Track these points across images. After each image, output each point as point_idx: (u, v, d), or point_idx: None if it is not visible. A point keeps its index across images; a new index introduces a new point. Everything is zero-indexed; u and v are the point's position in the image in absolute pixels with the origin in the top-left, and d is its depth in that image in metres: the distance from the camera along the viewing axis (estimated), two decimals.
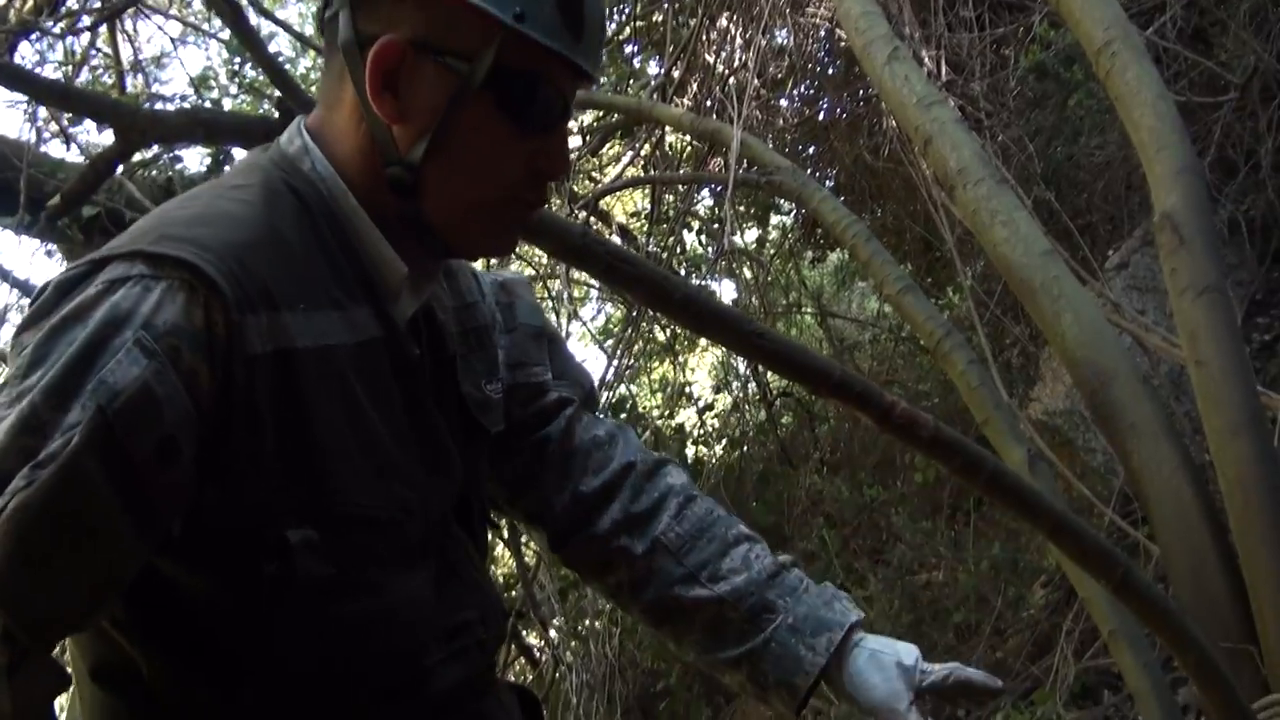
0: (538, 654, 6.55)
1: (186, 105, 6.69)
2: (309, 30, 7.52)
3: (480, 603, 1.47)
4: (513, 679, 6.21)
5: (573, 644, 6.17)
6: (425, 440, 1.39)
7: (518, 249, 7.40)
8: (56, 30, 5.95)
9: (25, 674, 1.08)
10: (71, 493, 1.07)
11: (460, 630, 1.42)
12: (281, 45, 8.03)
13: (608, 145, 7.49)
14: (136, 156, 5.48)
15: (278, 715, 1.28)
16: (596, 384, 7.12)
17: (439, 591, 1.39)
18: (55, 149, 6.46)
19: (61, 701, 1.30)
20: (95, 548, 1.10)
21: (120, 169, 4.35)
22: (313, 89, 1.66)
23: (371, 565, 1.29)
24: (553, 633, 6.22)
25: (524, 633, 6.26)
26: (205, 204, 1.30)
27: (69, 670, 1.22)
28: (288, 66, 7.02)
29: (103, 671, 1.30)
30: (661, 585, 1.67)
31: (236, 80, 7.45)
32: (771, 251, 8.41)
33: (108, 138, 6.50)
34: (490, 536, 1.65)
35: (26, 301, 5.72)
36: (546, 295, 7.83)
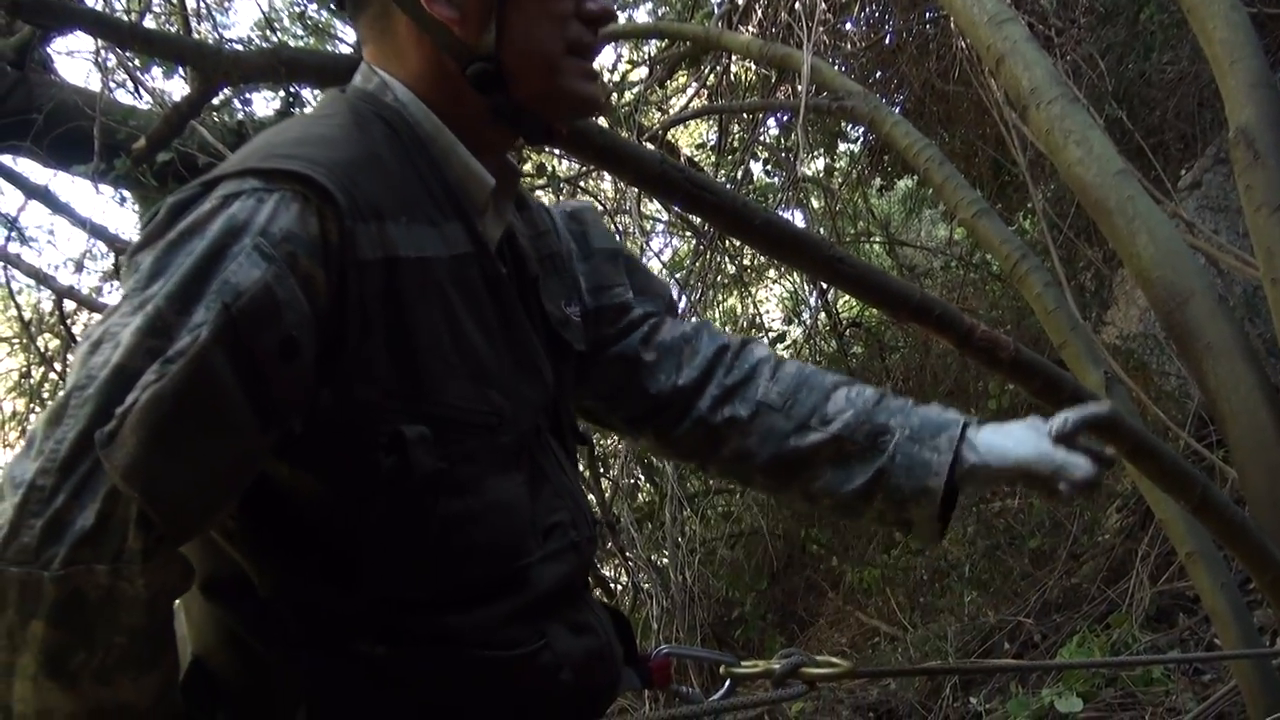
0: (614, 585, 6.62)
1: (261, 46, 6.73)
2: None
3: (570, 506, 1.50)
4: None
5: (651, 574, 6.24)
6: (518, 351, 1.43)
7: (585, 184, 7.44)
8: None
9: (158, 561, 1.13)
10: (202, 384, 1.11)
11: (553, 530, 1.45)
12: None
13: (675, 75, 7.46)
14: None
15: (388, 616, 1.32)
16: None
17: (533, 494, 1.43)
18: (121, 97, 6.54)
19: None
20: (224, 439, 1.14)
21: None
22: None
23: (469, 464, 1.33)
24: (631, 562, 6.28)
25: (601, 564, 6.33)
26: (302, 130, 1.35)
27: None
28: None
29: (213, 585, 1.34)
30: (776, 442, 1.68)
31: (302, 21, 7.47)
32: (839, 180, 8.36)
33: (175, 84, 6.58)
34: (578, 453, 1.68)
35: (104, 247, 5.81)
36: (614, 230, 7.85)
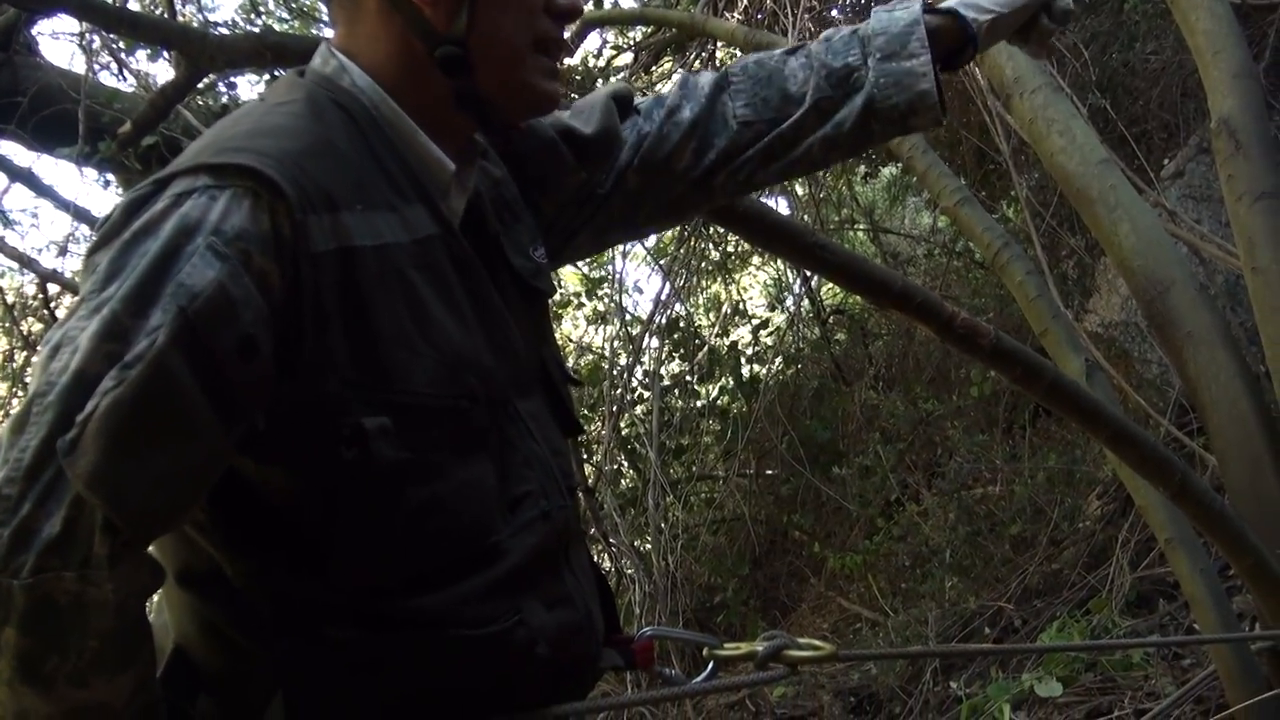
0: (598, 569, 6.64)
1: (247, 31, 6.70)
2: None
3: (539, 474, 1.49)
4: None
5: (633, 559, 6.25)
6: (490, 328, 1.43)
7: None
8: None
9: (126, 565, 1.14)
10: (160, 388, 1.12)
11: (521, 501, 1.45)
12: None
13: (660, 62, 7.45)
14: None
15: (359, 602, 1.33)
16: (653, 302, 7.15)
17: (500, 470, 1.43)
18: (106, 80, 6.51)
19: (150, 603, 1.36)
20: (186, 441, 1.15)
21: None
22: None
23: (436, 451, 1.33)
24: (614, 548, 6.29)
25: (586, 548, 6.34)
26: (256, 120, 1.34)
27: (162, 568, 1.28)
28: None
29: (187, 575, 1.36)
30: (764, 146, 1.71)
31: (287, 4, 7.45)
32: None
33: (159, 67, 6.55)
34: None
35: (89, 231, 5.80)
36: None
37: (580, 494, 1.61)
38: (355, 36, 1.43)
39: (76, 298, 1.19)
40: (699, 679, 1.65)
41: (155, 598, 1.34)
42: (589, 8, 7.23)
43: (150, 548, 1.22)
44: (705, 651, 1.67)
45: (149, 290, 1.14)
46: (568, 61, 6.55)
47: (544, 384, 1.55)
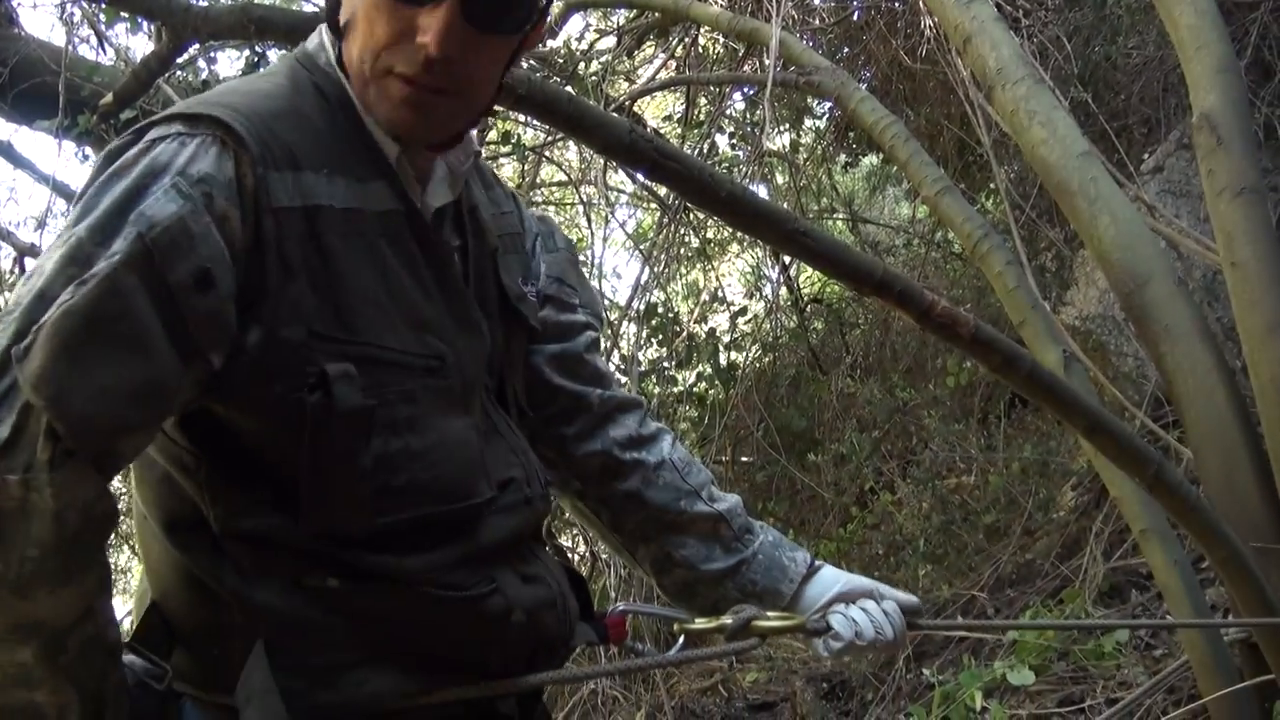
0: (571, 554, 6.64)
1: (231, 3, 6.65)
2: None
3: (524, 463, 1.57)
4: None
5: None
6: (454, 307, 1.48)
7: (550, 154, 7.42)
8: None
9: (66, 472, 1.17)
10: (111, 301, 1.18)
11: (508, 484, 1.51)
12: None
13: (642, 46, 7.44)
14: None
15: (337, 551, 1.37)
16: (632, 288, 7.15)
17: (486, 443, 1.50)
18: (85, 53, 6.47)
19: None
20: (134, 359, 1.20)
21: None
22: None
23: (407, 404, 1.39)
24: (588, 531, 6.30)
25: (558, 534, 6.34)
26: (238, 84, 1.45)
27: (117, 507, 1.29)
28: None
29: (172, 524, 1.41)
30: (669, 497, 1.78)
31: None
32: (804, 156, 8.37)
33: (140, 41, 6.50)
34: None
35: (66, 205, 5.76)
36: (579, 200, 7.83)
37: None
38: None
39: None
40: (670, 653, 1.69)
41: (137, 566, 1.38)
42: None
43: (134, 495, 1.35)
44: (675, 626, 1.73)
45: (113, 221, 1.22)
46: (551, 44, 6.54)
47: (502, 402, 1.61)
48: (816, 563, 1.82)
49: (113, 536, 1.28)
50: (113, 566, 1.34)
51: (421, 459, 1.39)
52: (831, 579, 1.80)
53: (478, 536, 1.46)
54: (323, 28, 1.51)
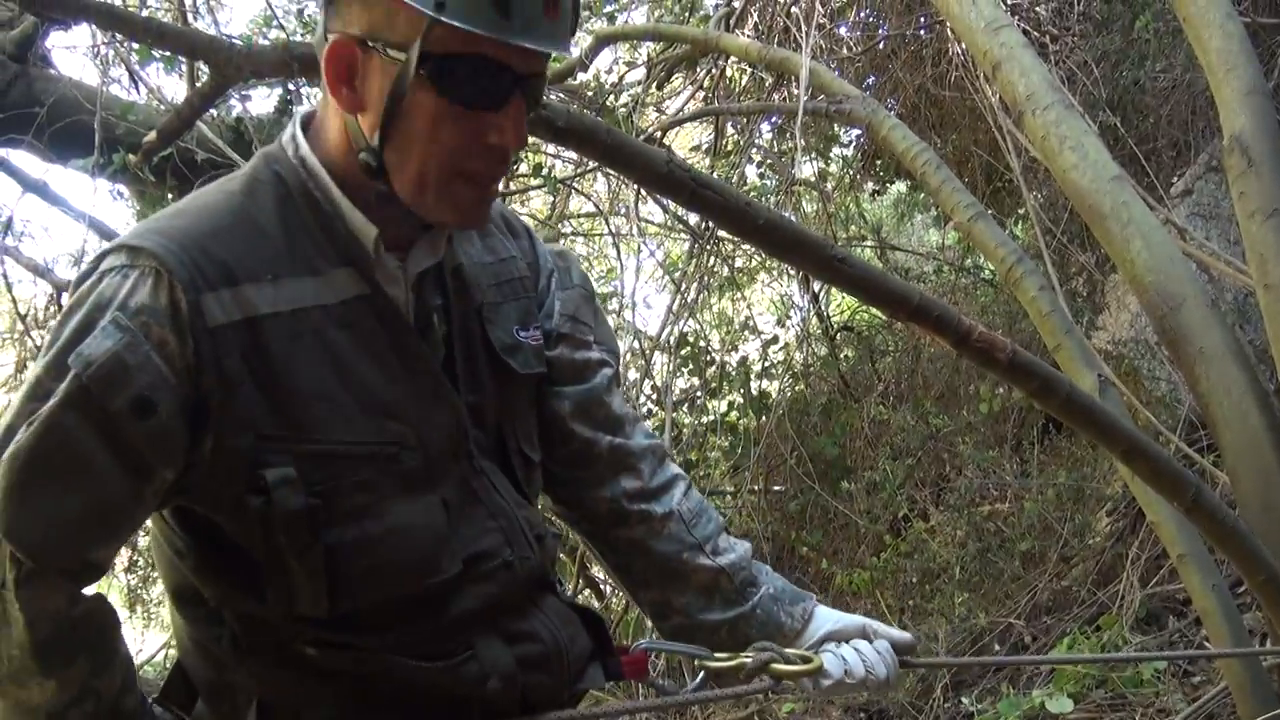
0: (605, 585, 6.64)
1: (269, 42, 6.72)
2: None
3: (505, 526, 1.60)
4: None
5: None
6: (419, 380, 1.53)
7: (580, 186, 7.46)
8: None
9: (32, 589, 1.34)
10: (51, 439, 1.32)
11: (482, 556, 1.56)
12: None
13: (672, 79, 7.49)
14: None
15: (309, 629, 1.47)
16: (663, 317, 7.16)
17: (455, 517, 1.54)
18: (117, 91, 6.54)
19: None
20: (84, 485, 1.35)
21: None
22: None
23: (363, 493, 1.46)
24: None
25: (590, 565, 6.34)
26: (192, 198, 1.52)
27: (105, 605, 1.45)
28: None
29: (179, 595, 1.56)
30: (673, 548, 1.81)
31: (300, 19, 7.48)
32: (832, 184, 8.39)
33: (173, 81, 6.58)
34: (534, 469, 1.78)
35: (101, 242, 5.84)
36: (608, 230, 7.86)
37: (552, 539, 1.69)
38: (322, 114, 1.54)
39: None
40: (687, 689, 1.73)
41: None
42: (602, 25, 7.28)
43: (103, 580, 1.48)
44: (696, 663, 1.76)
45: (64, 357, 1.34)
46: (581, 77, 6.58)
47: (500, 454, 1.65)
48: (812, 605, 1.87)
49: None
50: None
51: (381, 544, 1.47)
52: (824, 618, 1.84)
53: (448, 610, 1.53)
54: (296, 119, 1.56)
